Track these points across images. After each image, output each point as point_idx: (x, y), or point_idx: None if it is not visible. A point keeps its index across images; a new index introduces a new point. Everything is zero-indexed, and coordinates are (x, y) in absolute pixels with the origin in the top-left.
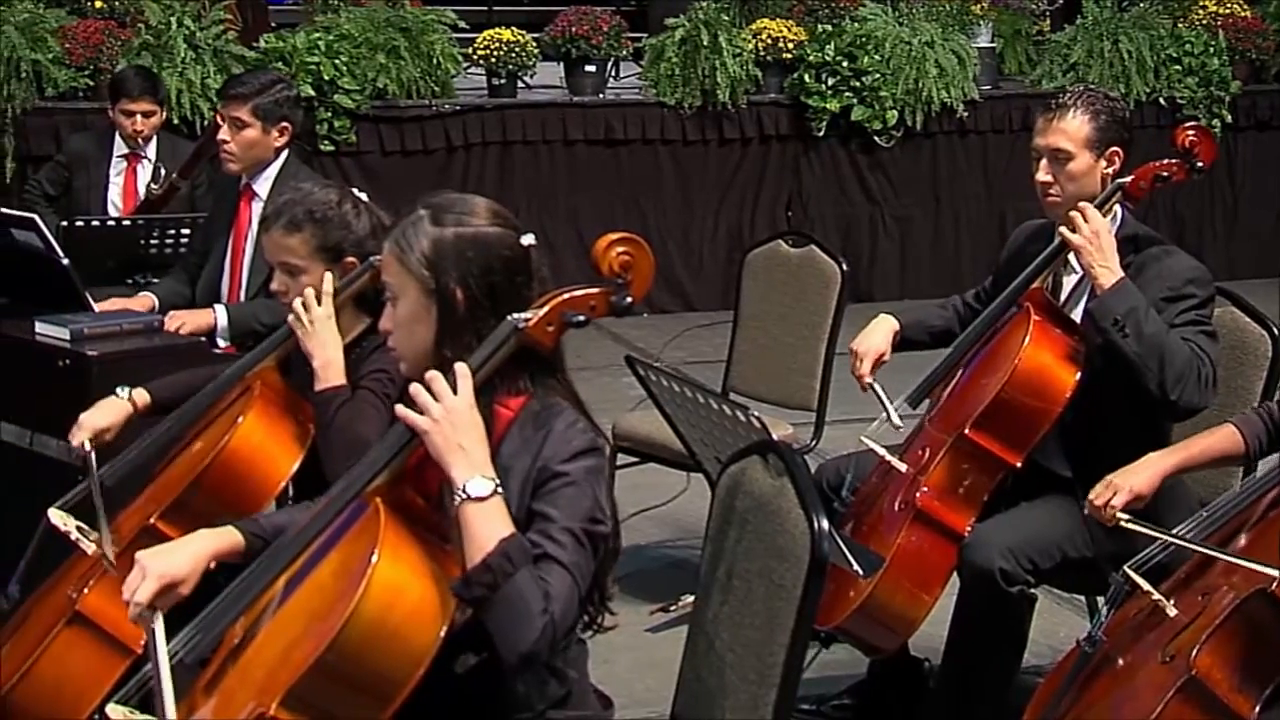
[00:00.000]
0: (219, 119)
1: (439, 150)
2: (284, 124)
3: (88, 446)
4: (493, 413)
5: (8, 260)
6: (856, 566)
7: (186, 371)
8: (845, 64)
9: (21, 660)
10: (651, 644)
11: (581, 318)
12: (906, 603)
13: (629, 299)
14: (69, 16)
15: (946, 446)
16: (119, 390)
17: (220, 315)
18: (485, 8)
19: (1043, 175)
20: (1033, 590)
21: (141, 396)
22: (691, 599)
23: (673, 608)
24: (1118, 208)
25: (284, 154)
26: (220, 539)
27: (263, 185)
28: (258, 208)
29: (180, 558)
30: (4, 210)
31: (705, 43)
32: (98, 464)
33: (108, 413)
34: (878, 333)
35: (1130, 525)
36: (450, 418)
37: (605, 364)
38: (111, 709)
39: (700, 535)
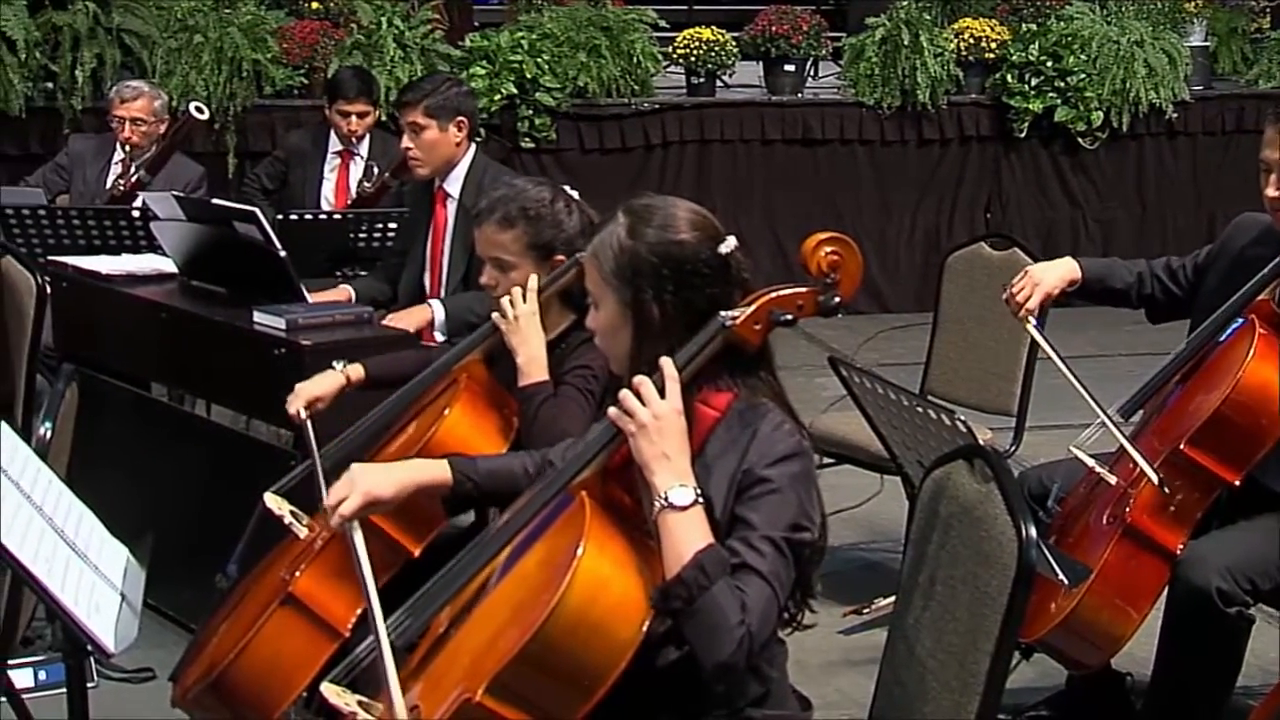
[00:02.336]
0: None
1: (637, 148)
2: (459, 118)
3: (304, 414)
4: (695, 410)
5: (228, 251)
6: (1062, 576)
7: (402, 352)
8: (1049, 64)
9: (238, 638)
10: (844, 646)
11: (789, 316)
12: (1113, 620)
13: (837, 299)
14: (287, 17)
15: (1160, 461)
16: (335, 364)
17: (437, 310)
18: (685, 7)
19: (1273, 190)
20: (1250, 611)
21: (355, 371)
22: (885, 602)
23: (866, 610)
24: None
25: (470, 152)
26: (429, 472)
27: (454, 185)
28: (452, 208)
29: (389, 482)
30: (227, 203)
31: (906, 42)
32: (313, 434)
33: (322, 384)
34: (1055, 271)
35: None
36: (657, 424)
37: (799, 364)
38: (325, 688)
39: (894, 538)
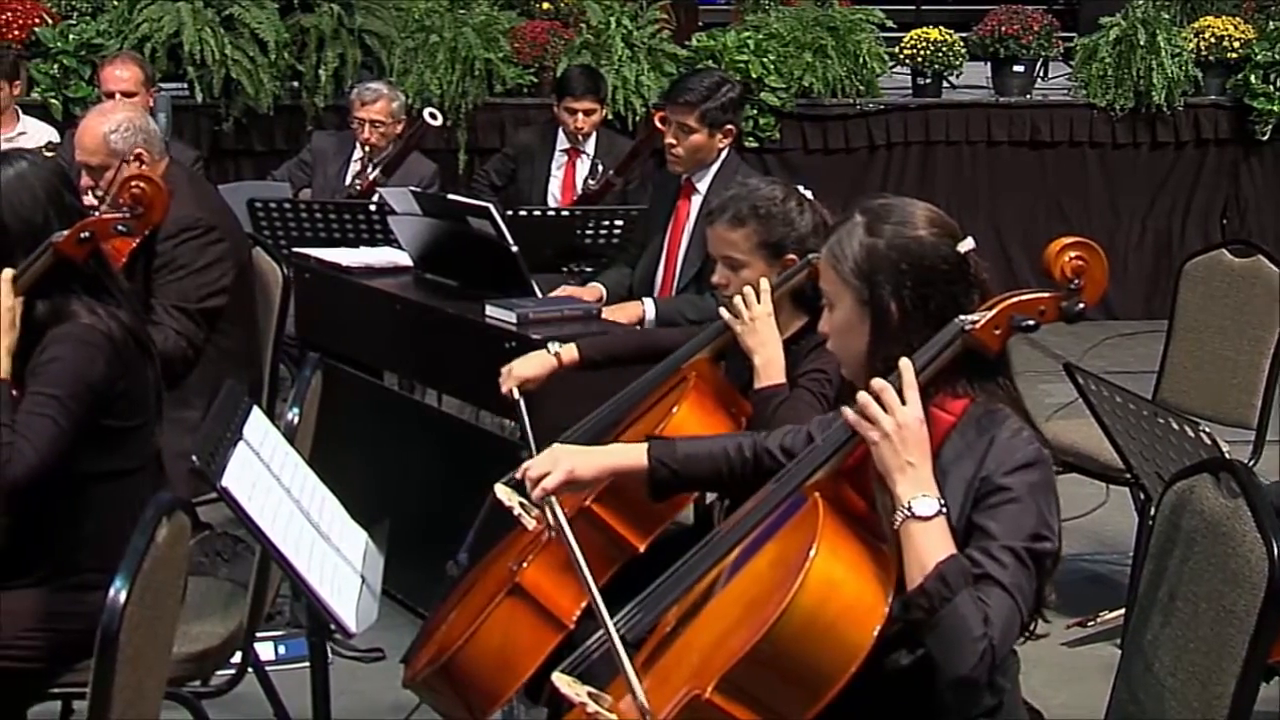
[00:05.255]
0: (657, 119)
1: (861, 149)
2: (728, 127)
3: (516, 394)
4: (930, 415)
5: (461, 246)
6: None
7: (616, 333)
8: None
9: (467, 625)
10: (1068, 658)
11: (1031, 322)
12: None
13: (1080, 305)
14: (519, 18)
15: None
16: (549, 345)
17: (649, 308)
18: (913, 7)
19: None
20: None
21: (570, 352)
22: (1111, 615)
23: (1091, 623)
24: None
25: (725, 152)
26: (628, 458)
27: (703, 181)
28: (696, 202)
29: (590, 464)
30: (462, 199)
31: (1142, 42)
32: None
33: (534, 364)
34: None
35: None
36: (900, 433)
37: (1023, 369)
38: (556, 677)
39: (1121, 550)
